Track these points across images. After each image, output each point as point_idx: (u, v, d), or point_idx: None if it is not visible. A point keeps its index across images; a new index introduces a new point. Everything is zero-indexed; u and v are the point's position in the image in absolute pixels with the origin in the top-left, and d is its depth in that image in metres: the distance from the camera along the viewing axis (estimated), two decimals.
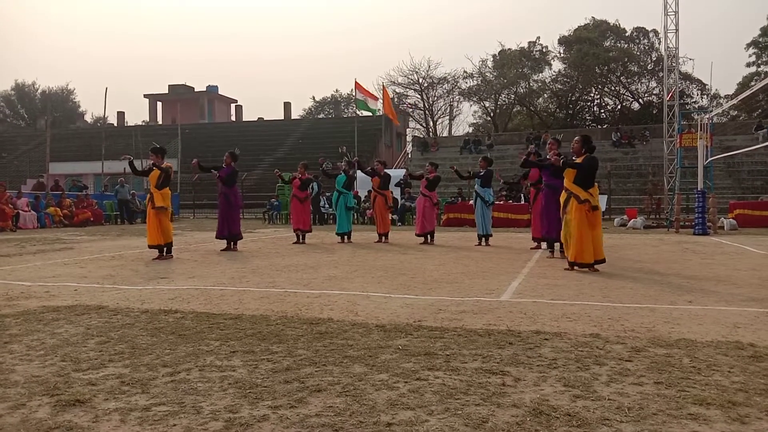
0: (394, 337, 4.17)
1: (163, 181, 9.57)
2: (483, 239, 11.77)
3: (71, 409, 2.84)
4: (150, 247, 9.55)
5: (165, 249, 9.55)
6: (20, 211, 18.28)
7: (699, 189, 15.45)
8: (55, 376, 3.34)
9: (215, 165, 11.28)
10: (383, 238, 12.77)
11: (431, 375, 3.31)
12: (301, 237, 12.56)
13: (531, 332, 4.30)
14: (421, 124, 50.76)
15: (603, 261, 7.68)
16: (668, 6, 21.30)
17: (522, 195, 21.10)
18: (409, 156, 37.67)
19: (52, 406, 2.87)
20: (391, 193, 13.76)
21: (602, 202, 20.76)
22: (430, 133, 47.86)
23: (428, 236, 12.41)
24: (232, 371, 3.41)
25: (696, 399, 2.89)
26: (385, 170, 13.16)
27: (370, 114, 31.23)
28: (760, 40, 42.62)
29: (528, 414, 2.72)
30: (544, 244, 10.24)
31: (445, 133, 49.40)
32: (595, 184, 7.79)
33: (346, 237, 12.89)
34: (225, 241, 10.99)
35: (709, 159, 16.98)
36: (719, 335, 4.20)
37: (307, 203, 12.96)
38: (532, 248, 10.84)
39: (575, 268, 7.60)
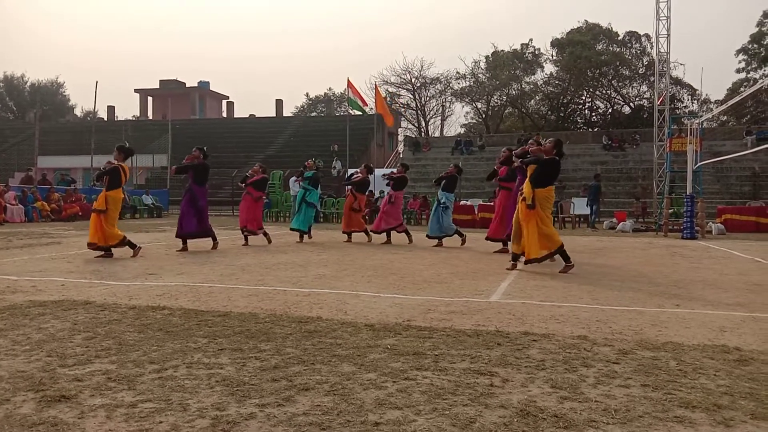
0: (382, 337, 4.16)
1: (110, 180, 9.29)
2: (438, 240, 11.86)
3: (56, 404, 2.81)
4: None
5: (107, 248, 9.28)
6: (7, 205, 18.12)
7: (688, 193, 15.56)
8: (40, 372, 3.31)
9: (186, 165, 10.60)
10: (348, 237, 12.76)
11: (419, 375, 3.31)
12: (247, 238, 11.78)
13: (519, 333, 4.31)
14: (413, 124, 50.83)
15: (532, 259, 7.71)
16: (660, 11, 21.44)
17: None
18: (401, 156, 37.68)
19: (37, 402, 2.84)
20: (367, 197, 13.72)
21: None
22: (422, 133, 47.90)
23: (387, 234, 12.44)
24: (219, 369, 3.40)
25: (682, 402, 2.91)
26: (375, 170, 13.24)
27: (361, 113, 31.25)
28: (750, 46, 43.03)
29: (515, 415, 2.72)
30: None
31: (437, 134, 49.51)
32: (552, 186, 7.89)
33: (305, 236, 12.63)
34: (181, 241, 10.39)
35: (699, 164, 17.10)
36: (706, 339, 4.23)
37: (260, 203, 12.35)
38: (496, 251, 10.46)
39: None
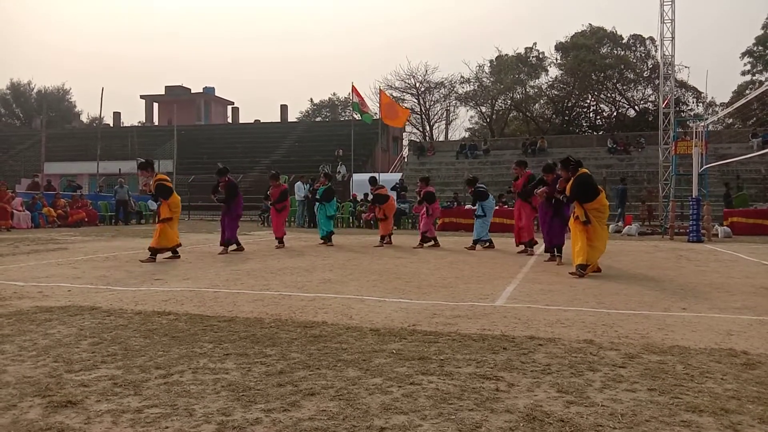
0: (388, 341, 4.16)
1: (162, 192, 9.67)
2: (477, 244, 12.19)
3: (63, 410, 2.82)
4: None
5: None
6: (14, 211, 18.19)
7: (694, 196, 15.49)
8: (47, 377, 3.32)
9: (218, 193, 11.37)
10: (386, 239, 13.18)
11: (425, 379, 3.31)
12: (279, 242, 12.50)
13: (525, 337, 4.30)
14: (417, 129, 50.94)
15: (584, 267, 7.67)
16: (665, 14, 21.41)
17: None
18: (405, 160, 37.71)
19: (43, 407, 2.85)
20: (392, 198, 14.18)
21: None
22: (427, 138, 47.95)
23: (433, 240, 12.82)
24: (225, 374, 3.40)
25: (689, 406, 2.90)
26: (380, 181, 13.63)
27: (367, 121, 31.31)
28: (755, 49, 42.97)
29: (521, 419, 2.72)
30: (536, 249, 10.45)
31: (442, 138, 49.55)
32: (600, 193, 7.89)
33: (327, 240, 12.99)
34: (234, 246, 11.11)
35: (704, 166, 17.03)
36: (713, 342, 4.21)
37: (283, 212, 13.03)
38: (527, 253, 10.93)
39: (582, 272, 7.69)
